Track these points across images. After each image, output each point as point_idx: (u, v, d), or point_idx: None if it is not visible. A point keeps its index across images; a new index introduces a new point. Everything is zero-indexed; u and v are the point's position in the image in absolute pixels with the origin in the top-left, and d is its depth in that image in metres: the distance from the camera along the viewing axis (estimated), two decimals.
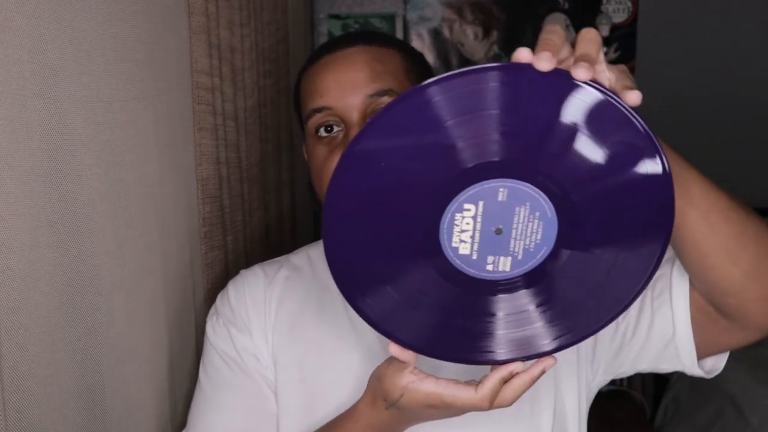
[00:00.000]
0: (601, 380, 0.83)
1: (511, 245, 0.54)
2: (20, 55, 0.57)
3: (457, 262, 0.55)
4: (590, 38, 0.51)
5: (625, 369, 0.80)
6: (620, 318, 0.76)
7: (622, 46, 2.62)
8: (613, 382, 2.52)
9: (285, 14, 1.68)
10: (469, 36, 2.61)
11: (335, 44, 0.81)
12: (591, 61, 0.49)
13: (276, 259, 0.91)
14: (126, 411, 0.77)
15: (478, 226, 0.53)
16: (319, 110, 0.77)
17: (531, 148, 0.51)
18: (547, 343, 0.59)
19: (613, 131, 0.50)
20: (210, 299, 1.05)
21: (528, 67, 0.48)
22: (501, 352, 0.59)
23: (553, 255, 0.55)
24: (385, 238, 0.55)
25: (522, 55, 0.48)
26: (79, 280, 0.67)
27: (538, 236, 0.54)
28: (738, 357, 1.99)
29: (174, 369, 0.91)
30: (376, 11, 2.62)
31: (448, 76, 0.49)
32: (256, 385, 0.81)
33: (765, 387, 1.88)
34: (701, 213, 0.60)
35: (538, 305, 0.57)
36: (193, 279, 1.00)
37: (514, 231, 0.54)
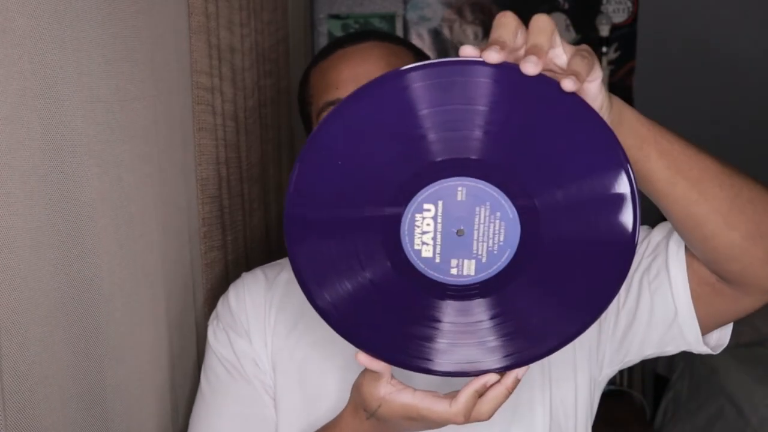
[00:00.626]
0: (608, 372, 0.82)
1: (474, 247, 0.53)
2: (20, 55, 0.57)
3: (421, 266, 0.54)
4: (541, 27, 0.50)
5: (631, 357, 0.79)
6: (619, 307, 0.75)
7: (622, 46, 2.62)
8: (612, 382, 2.52)
9: (285, 14, 1.68)
10: (469, 36, 2.61)
11: (347, 40, 0.81)
12: (540, 53, 0.48)
13: (277, 261, 0.91)
14: (126, 411, 0.77)
15: (439, 227, 0.52)
16: (333, 102, 0.77)
17: (488, 146, 0.50)
18: (496, 359, 0.57)
19: (576, 137, 0.50)
20: (210, 299, 1.05)
21: (482, 64, 0.48)
22: (442, 362, 0.57)
23: (516, 260, 0.53)
24: (347, 236, 0.54)
25: (467, 51, 0.48)
26: (79, 280, 0.67)
27: (501, 237, 0.52)
28: (738, 357, 2.00)
29: (174, 369, 0.91)
30: (376, 11, 2.62)
31: (406, 69, 0.49)
32: (256, 392, 0.82)
33: (765, 387, 1.88)
34: (692, 182, 0.59)
35: (493, 317, 0.56)
36: (193, 279, 1.00)
37: (476, 232, 0.52)
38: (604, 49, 2.39)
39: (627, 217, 0.51)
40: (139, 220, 0.80)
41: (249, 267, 1.26)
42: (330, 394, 0.79)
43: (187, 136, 0.98)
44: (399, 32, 2.62)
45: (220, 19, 1.10)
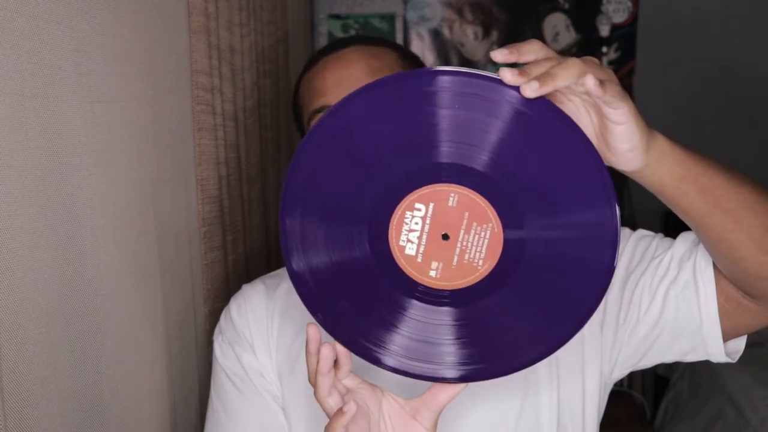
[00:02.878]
0: (618, 375, 0.82)
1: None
2: (19, 55, 0.57)
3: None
4: (567, 64, 0.52)
5: (646, 362, 0.79)
6: (640, 315, 0.76)
7: (622, 46, 2.61)
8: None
9: (285, 14, 1.68)
10: (469, 36, 2.61)
11: (331, 47, 0.82)
12: (546, 82, 0.50)
13: (277, 271, 0.91)
14: (125, 411, 0.77)
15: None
16: (320, 110, 0.78)
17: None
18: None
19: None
20: (210, 299, 1.05)
21: (504, 84, 0.50)
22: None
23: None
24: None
25: (507, 77, 0.50)
26: (78, 281, 0.67)
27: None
28: (739, 358, 1.99)
29: (173, 369, 0.91)
30: (376, 11, 2.62)
31: (442, 71, 0.50)
32: (266, 403, 0.82)
33: (765, 387, 1.88)
34: (728, 213, 0.61)
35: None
36: (193, 279, 1.00)
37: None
38: (604, 49, 2.39)
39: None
40: (138, 221, 0.80)
41: (249, 267, 1.26)
42: None
43: (186, 136, 0.98)
44: (399, 32, 2.62)
45: (219, 19, 1.10)
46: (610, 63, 2.54)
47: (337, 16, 2.61)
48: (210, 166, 1.06)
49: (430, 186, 0.53)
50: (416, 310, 0.57)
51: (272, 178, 1.50)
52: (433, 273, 0.55)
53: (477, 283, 0.55)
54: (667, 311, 0.74)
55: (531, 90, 0.49)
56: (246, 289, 0.88)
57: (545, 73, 0.50)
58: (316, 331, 0.59)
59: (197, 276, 1.02)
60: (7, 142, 0.56)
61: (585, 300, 0.55)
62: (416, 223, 0.53)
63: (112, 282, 0.73)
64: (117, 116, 0.74)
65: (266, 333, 0.83)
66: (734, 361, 0.76)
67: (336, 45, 0.82)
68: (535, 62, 0.52)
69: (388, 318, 0.58)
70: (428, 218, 0.53)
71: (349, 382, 0.62)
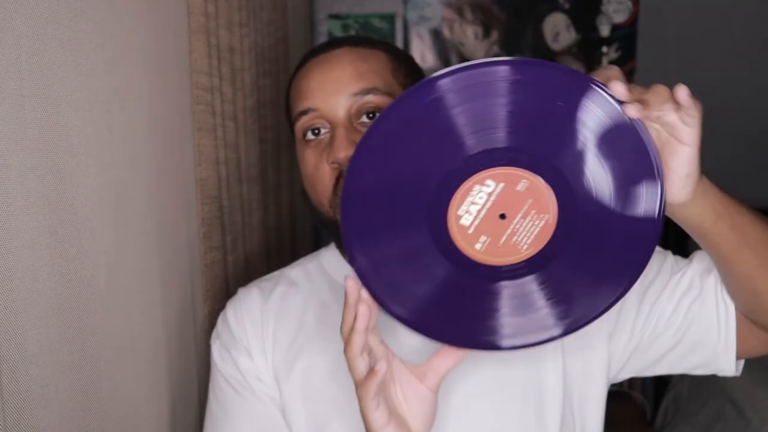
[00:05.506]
0: (622, 376, 0.84)
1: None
2: (19, 55, 0.57)
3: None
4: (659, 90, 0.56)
5: (653, 371, 0.82)
6: (661, 327, 0.78)
7: (622, 46, 2.61)
8: (613, 382, 2.51)
9: (285, 14, 1.68)
10: (469, 36, 2.61)
11: (321, 48, 0.81)
12: (646, 105, 0.55)
13: (272, 274, 0.91)
14: (124, 411, 0.77)
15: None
16: (304, 112, 0.77)
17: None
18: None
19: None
20: (209, 299, 1.05)
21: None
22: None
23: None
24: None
25: (618, 89, 0.53)
26: (77, 281, 0.67)
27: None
28: None
29: (172, 369, 0.91)
30: (376, 11, 2.62)
31: (526, 62, 0.53)
32: (265, 406, 0.82)
33: (765, 388, 1.88)
34: (756, 251, 0.63)
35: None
36: (192, 279, 1.00)
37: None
38: (604, 49, 2.39)
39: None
40: (137, 221, 0.80)
41: (248, 267, 1.26)
42: (337, 403, 0.79)
43: (186, 137, 0.98)
44: (399, 32, 2.62)
45: (219, 19, 1.10)
46: (611, 63, 2.53)
47: (337, 16, 2.61)
48: (210, 166, 1.05)
49: (506, 168, 0.55)
50: (508, 289, 0.60)
51: (272, 179, 1.50)
52: (478, 246, 0.57)
53: (517, 263, 0.58)
54: (688, 325, 0.76)
55: (636, 111, 0.52)
56: (241, 293, 0.88)
57: (645, 100, 0.54)
58: (354, 284, 0.60)
59: (196, 276, 1.02)
60: (7, 142, 0.56)
61: (634, 261, 0.58)
62: (481, 198, 0.56)
63: (111, 282, 0.73)
64: (116, 116, 0.74)
65: (262, 336, 0.83)
66: (738, 375, 0.79)
67: (326, 46, 0.81)
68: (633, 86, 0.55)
69: (486, 310, 0.60)
70: (494, 195, 0.56)
71: (371, 339, 0.62)
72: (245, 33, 1.26)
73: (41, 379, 0.61)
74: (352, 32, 2.60)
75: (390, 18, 2.62)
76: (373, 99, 0.75)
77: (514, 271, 0.59)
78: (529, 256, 0.58)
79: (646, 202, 0.56)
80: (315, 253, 0.91)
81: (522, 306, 0.60)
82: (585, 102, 0.53)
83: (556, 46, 2.59)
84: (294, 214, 1.74)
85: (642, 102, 0.54)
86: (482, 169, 0.55)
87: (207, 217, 1.04)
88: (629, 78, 2.63)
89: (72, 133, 0.65)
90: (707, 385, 2.10)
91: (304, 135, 0.78)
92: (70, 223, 0.66)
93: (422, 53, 2.62)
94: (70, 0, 0.65)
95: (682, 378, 2.28)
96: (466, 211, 0.56)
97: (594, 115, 0.53)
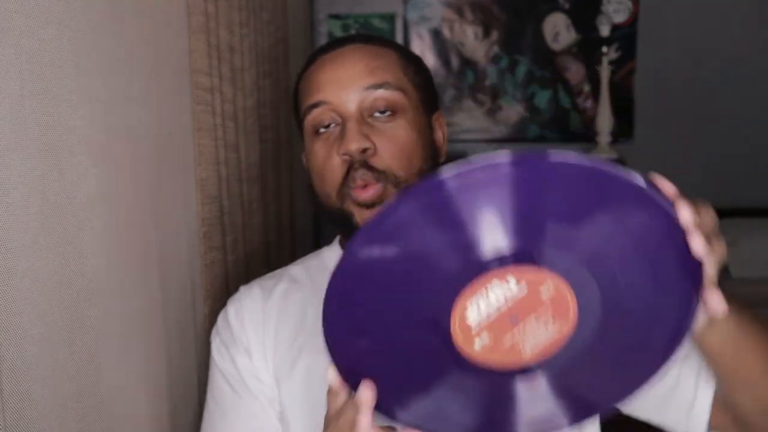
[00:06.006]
0: None
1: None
2: (18, 55, 0.57)
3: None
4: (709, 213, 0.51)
5: (629, 410, 0.79)
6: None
7: (622, 46, 2.61)
8: None
9: (285, 14, 1.67)
10: (469, 36, 2.61)
11: (332, 45, 0.82)
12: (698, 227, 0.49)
13: (275, 272, 0.91)
14: (124, 411, 0.77)
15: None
16: (316, 105, 0.77)
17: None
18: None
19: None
20: (210, 299, 1.05)
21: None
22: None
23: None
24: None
25: (667, 188, 0.48)
26: (77, 281, 0.67)
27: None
28: None
29: (173, 369, 0.91)
30: (376, 11, 2.62)
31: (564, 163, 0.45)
32: (260, 405, 0.82)
33: None
34: (754, 370, 0.62)
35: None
36: (192, 279, 1.00)
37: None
38: (604, 49, 2.39)
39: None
40: (137, 221, 0.80)
41: (248, 267, 1.26)
42: None
43: (186, 137, 0.98)
44: (399, 32, 2.62)
45: (219, 18, 1.09)
46: (610, 63, 2.53)
47: (337, 16, 2.61)
48: (210, 166, 1.05)
49: (534, 267, 0.48)
50: (520, 391, 0.54)
51: (272, 179, 1.50)
52: (477, 345, 0.50)
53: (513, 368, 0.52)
54: (672, 379, 0.74)
55: (689, 213, 0.47)
56: (242, 291, 0.88)
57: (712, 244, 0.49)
58: (333, 373, 0.55)
59: (196, 276, 1.02)
60: (6, 141, 0.56)
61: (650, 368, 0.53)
62: (495, 297, 0.49)
63: (111, 282, 0.73)
64: (116, 116, 0.74)
65: (263, 336, 0.83)
66: None
67: (336, 43, 0.82)
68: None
69: (507, 415, 0.55)
70: (511, 300, 0.49)
71: None
72: (245, 33, 1.26)
73: (42, 379, 0.61)
74: (352, 32, 2.60)
75: (390, 18, 2.62)
76: (384, 94, 0.76)
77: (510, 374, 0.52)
78: (531, 362, 0.51)
79: (675, 320, 0.50)
80: (317, 251, 0.91)
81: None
82: (633, 207, 0.46)
83: (556, 46, 2.59)
84: (294, 214, 1.74)
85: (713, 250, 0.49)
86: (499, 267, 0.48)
87: (207, 217, 1.04)
88: (629, 78, 2.63)
89: (72, 133, 0.65)
90: None
91: (314, 128, 0.78)
92: (70, 223, 0.66)
93: (422, 53, 2.62)
94: (70, 0, 0.65)
95: None
96: (477, 305, 0.49)
97: (641, 221, 0.47)
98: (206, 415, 0.85)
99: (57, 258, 0.64)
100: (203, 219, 1.03)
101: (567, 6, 2.58)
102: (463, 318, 0.49)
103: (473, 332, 0.50)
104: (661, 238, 0.47)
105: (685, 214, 0.47)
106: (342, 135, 0.75)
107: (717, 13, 2.59)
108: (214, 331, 0.87)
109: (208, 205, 1.05)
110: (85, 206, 0.68)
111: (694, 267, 0.48)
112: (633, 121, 2.61)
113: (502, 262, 0.48)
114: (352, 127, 0.75)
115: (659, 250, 0.48)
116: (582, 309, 0.49)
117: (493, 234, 0.47)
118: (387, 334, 0.52)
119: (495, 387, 0.53)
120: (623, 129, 2.58)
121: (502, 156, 0.44)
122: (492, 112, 2.64)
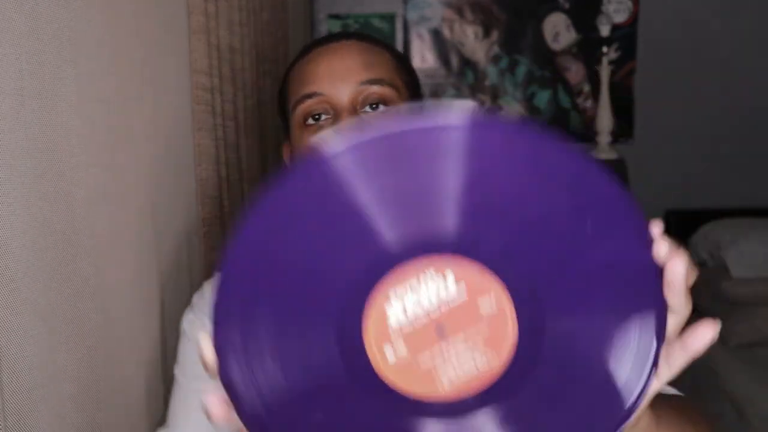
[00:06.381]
0: None
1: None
2: (18, 55, 0.57)
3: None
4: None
5: None
6: None
7: (622, 46, 2.61)
8: None
9: (285, 14, 1.68)
10: (469, 36, 2.61)
11: (326, 39, 0.81)
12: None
13: None
14: (124, 411, 0.77)
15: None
16: (309, 96, 0.77)
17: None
18: None
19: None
20: None
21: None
22: None
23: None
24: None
25: (663, 252, 0.39)
26: (76, 281, 0.67)
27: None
28: (739, 358, 1.99)
29: (172, 369, 0.91)
30: (376, 11, 2.62)
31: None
32: None
33: (766, 388, 1.88)
34: None
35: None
36: (192, 279, 1.00)
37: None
38: (605, 49, 2.39)
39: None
40: (137, 221, 0.80)
41: None
42: None
43: (186, 137, 0.98)
44: (399, 32, 2.62)
45: (219, 18, 1.09)
46: (610, 63, 2.53)
47: (337, 16, 2.61)
48: (210, 166, 1.05)
49: (479, 267, 0.37)
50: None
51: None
52: (391, 356, 0.38)
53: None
54: None
55: (668, 252, 0.38)
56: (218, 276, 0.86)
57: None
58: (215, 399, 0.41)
59: (196, 276, 1.02)
60: (6, 141, 0.56)
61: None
62: (428, 297, 0.37)
63: (111, 282, 0.73)
64: (116, 116, 0.74)
65: None
66: None
67: (331, 38, 0.82)
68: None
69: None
70: (447, 303, 0.37)
71: None
72: (245, 33, 1.26)
73: (42, 379, 0.61)
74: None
75: (390, 18, 2.62)
76: (378, 90, 0.76)
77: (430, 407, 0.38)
78: (446, 398, 0.38)
79: (631, 371, 0.39)
80: None
81: None
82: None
83: (556, 46, 2.59)
84: None
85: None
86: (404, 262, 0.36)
87: (208, 217, 1.04)
88: (629, 78, 2.63)
89: (72, 133, 0.65)
90: (707, 385, 2.10)
91: (305, 120, 0.78)
92: (71, 223, 0.66)
93: (422, 53, 2.62)
94: (70, 0, 0.65)
95: (682, 378, 2.28)
96: (402, 305, 0.37)
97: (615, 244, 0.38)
98: (175, 390, 0.80)
99: (56, 258, 0.64)
100: (203, 219, 1.03)
101: (567, 6, 2.58)
102: (381, 312, 0.37)
103: (390, 335, 0.37)
104: (638, 277, 0.38)
105: (678, 267, 0.39)
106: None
107: (717, 13, 2.59)
108: (187, 309, 0.83)
109: (209, 205, 1.05)
110: (84, 206, 0.68)
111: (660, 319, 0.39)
112: (633, 121, 2.62)
113: (438, 248, 0.36)
114: (347, 119, 0.75)
115: (629, 287, 0.38)
116: (520, 345, 0.37)
117: (427, 212, 0.36)
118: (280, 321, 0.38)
119: (401, 425, 0.39)
120: (623, 129, 2.58)
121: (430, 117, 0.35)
122: (492, 112, 2.64)
